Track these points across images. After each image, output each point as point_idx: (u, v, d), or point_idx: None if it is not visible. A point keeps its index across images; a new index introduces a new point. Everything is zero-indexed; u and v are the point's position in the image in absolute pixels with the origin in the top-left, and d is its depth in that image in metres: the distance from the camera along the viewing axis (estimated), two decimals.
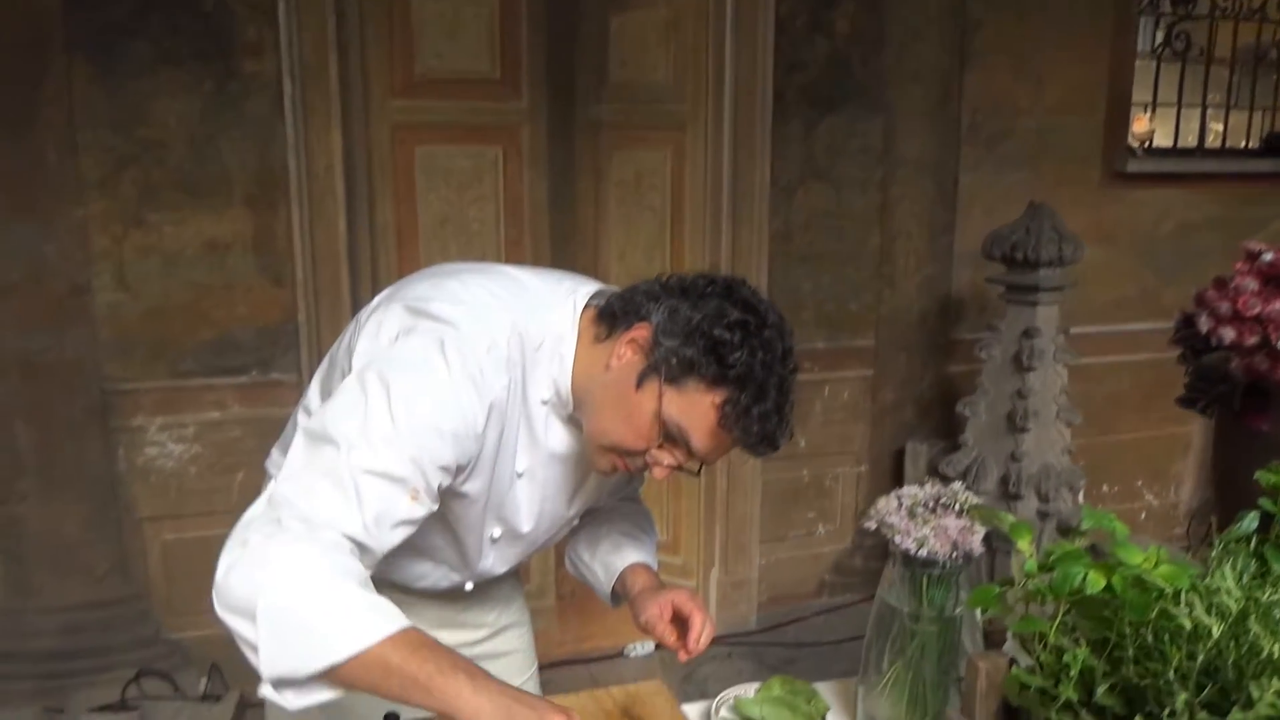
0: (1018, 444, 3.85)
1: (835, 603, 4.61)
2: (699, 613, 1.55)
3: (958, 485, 1.51)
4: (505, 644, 1.82)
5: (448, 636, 1.64)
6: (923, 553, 1.42)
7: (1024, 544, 1.35)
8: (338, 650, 1.09)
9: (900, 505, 1.48)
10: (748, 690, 1.66)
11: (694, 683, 3.69)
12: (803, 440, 4.46)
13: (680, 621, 1.56)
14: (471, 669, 1.18)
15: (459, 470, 1.35)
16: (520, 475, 1.45)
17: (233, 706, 3.44)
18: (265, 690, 1.12)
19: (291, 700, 1.12)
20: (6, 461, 3.31)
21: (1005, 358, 3.90)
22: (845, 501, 4.63)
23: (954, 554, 1.44)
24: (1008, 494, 3.86)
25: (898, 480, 4.49)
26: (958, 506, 1.49)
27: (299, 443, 1.25)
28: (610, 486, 1.66)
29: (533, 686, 1.87)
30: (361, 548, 1.22)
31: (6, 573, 3.42)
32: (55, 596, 3.41)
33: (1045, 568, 1.33)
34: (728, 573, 4.32)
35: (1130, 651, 1.25)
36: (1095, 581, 1.25)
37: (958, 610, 1.50)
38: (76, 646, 3.45)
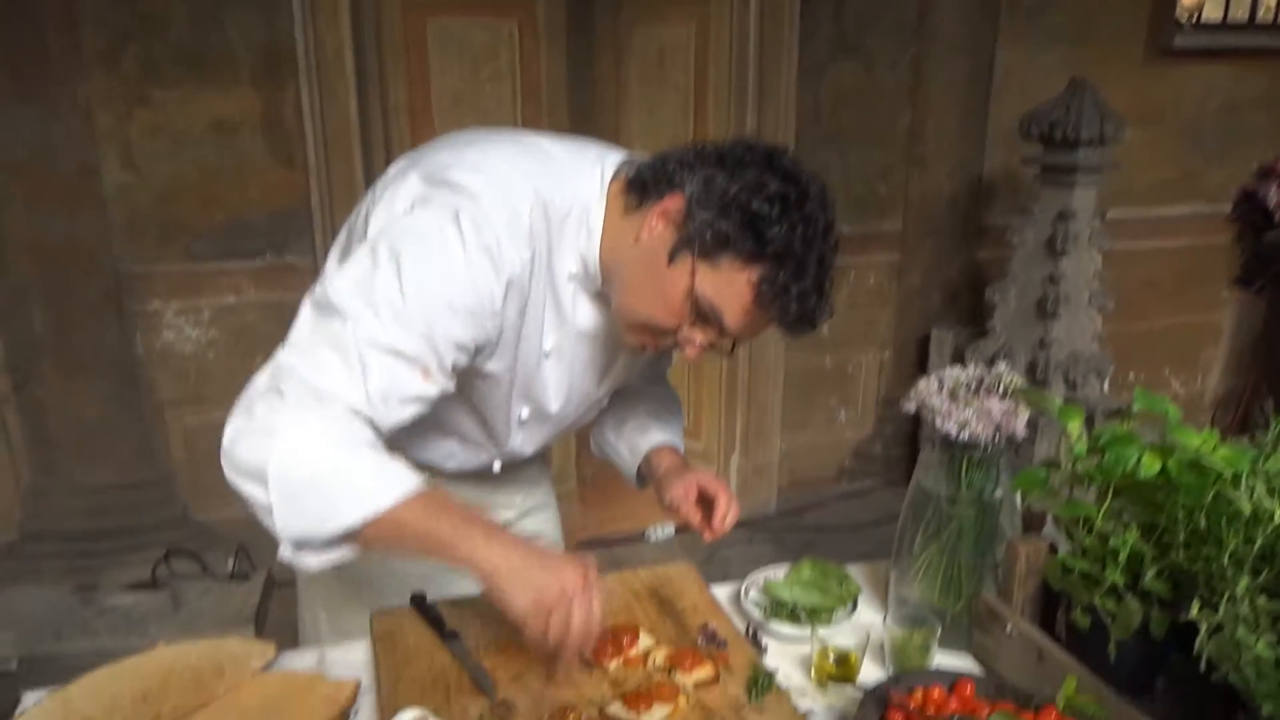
0: (1047, 330, 3.77)
1: (855, 488, 4.62)
2: (724, 494, 1.52)
3: (1002, 367, 1.44)
4: (533, 526, 1.80)
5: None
6: (964, 435, 1.37)
7: (1074, 427, 1.30)
8: (352, 514, 1.11)
9: (942, 387, 1.42)
10: (777, 573, 1.64)
11: (715, 565, 3.71)
12: (826, 327, 4.37)
13: (705, 503, 1.53)
14: (486, 525, 1.18)
15: (478, 349, 1.29)
16: (548, 354, 1.40)
17: (260, 585, 3.50)
18: (284, 552, 1.14)
19: (311, 561, 1.15)
20: (25, 344, 3.29)
21: (1038, 242, 3.79)
22: (867, 388, 4.59)
23: (996, 437, 1.38)
24: (1035, 381, 3.80)
25: (921, 368, 4.44)
26: (1001, 388, 1.42)
27: (306, 312, 1.21)
28: (639, 366, 1.61)
29: None
30: (368, 421, 1.19)
31: (33, 454, 3.44)
32: (82, 478, 3.45)
33: (1096, 451, 1.28)
34: (748, 458, 4.32)
35: (1181, 536, 1.21)
36: (1150, 465, 1.20)
37: (996, 494, 1.45)
38: (105, 527, 3.50)
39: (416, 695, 1.29)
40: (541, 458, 1.82)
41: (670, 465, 1.62)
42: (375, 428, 1.19)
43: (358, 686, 1.34)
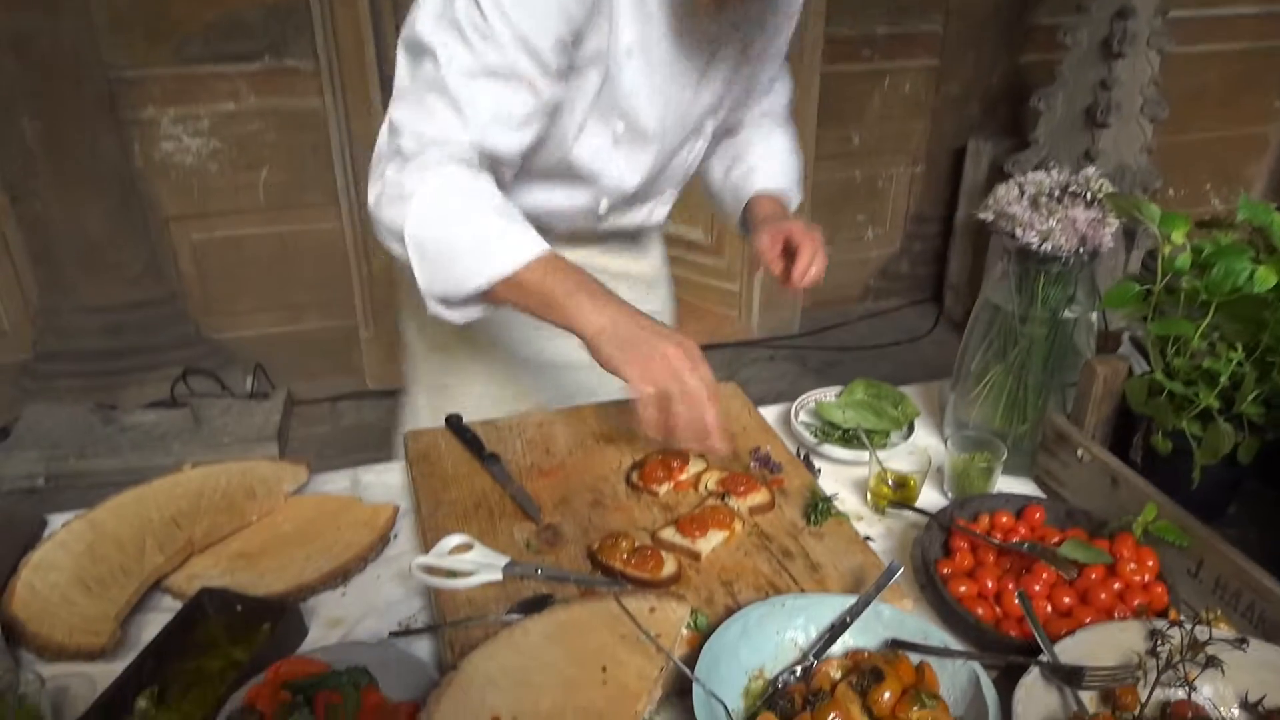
0: (1094, 141, 3.56)
1: (880, 307, 4.54)
2: (810, 245, 1.40)
3: (1091, 171, 1.30)
4: (647, 304, 1.65)
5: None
6: (1046, 247, 1.25)
7: (1179, 236, 1.17)
8: (479, 277, 1.16)
9: (1023, 194, 1.29)
10: (827, 394, 1.56)
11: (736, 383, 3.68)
12: (856, 137, 4.17)
13: (791, 254, 1.43)
14: (597, 290, 1.17)
15: (575, 38, 1.20)
16: (630, 52, 1.26)
17: (281, 403, 3.49)
18: (431, 306, 1.21)
19: (453, 316, 1.22)
20: (17, 157, 3.13)
21: (1092, 43, 3.52)
22: (897, 204, 4.42)
23: (1081, 249, 1.27)
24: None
25: (955, 183, 4.25)
26: (1089, 195, 1.29)
27: (401, 58, 1.20)
28: (742, 89, 1.47)
29: None
30: (490, 156, 1.20)
31: (37, 272, 3.35)
32: (91, 296, 3.36)
33: (1201, 265, 1.16)
34: (772, 276, 4.19)
35: None
36: (1265, 278, 1.09)
37: (1070, 312, 1.35)
38: (120, 346, 3.45)
39: (458, 520, 1.24)
40: (659, 240, 1.73)
41: (769, 213, 1.52)
42: (498, 166, 1.23)
43: (396, 511, 1.29)
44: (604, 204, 1.44)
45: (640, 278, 1.66)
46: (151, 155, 3.28)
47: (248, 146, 3.34)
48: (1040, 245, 1.26)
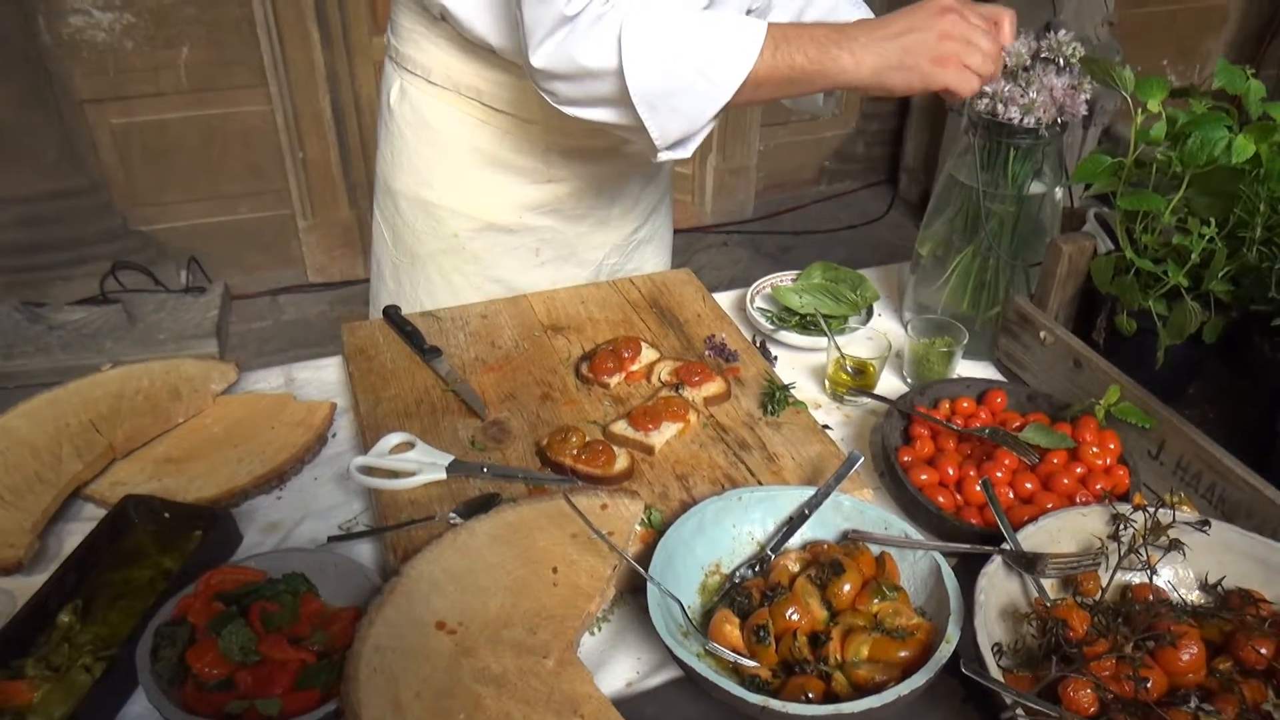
0: (1055, 12, 3.45)
1: (835, 190, 4.46)
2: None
3: (1063, 35, 1.23)
4: (647, 231, 1.59)
5: (601, 238, 1.50)
6: (1029, 120, 1.18)
7: (1154, 104, 1.11)
8: (715, 103, 1.11)
9: (1004, 65, 1.21)
10: (784, 278, 1.50)
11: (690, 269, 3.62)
12: None
13: None
14: (841, 38, 1.11)
15: None
16: None
17: (218, 297, 3.36)
18: (663, 155, 1.16)
19: (691, 147, 1.17)
20: None
21: None
22: None
23: (1057, 120, 1.20)
24: None
25: None
26: (1061, 61, 1.22)
27: None
28: None
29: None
30: None
31: None
32: (6, 187, 3.16)
33: (1175, 135, 1.11)
34: (726, 159, 4.09)
35: (1258, 232, 1.07)
36: (1242, 148, 1.04)
37: (1035, 187, 1.29)
38: (41, 239, 3.27)
39: (399, 418, 1.18)
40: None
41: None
42: None
43: (333, 409, 1.23)
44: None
45: (641, 195, 1.54)
46: (59, 32, 3.04)
47: (165, 21, 3.11)
48: (1022, 119, 1.20)
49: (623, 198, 1.49)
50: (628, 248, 1.56)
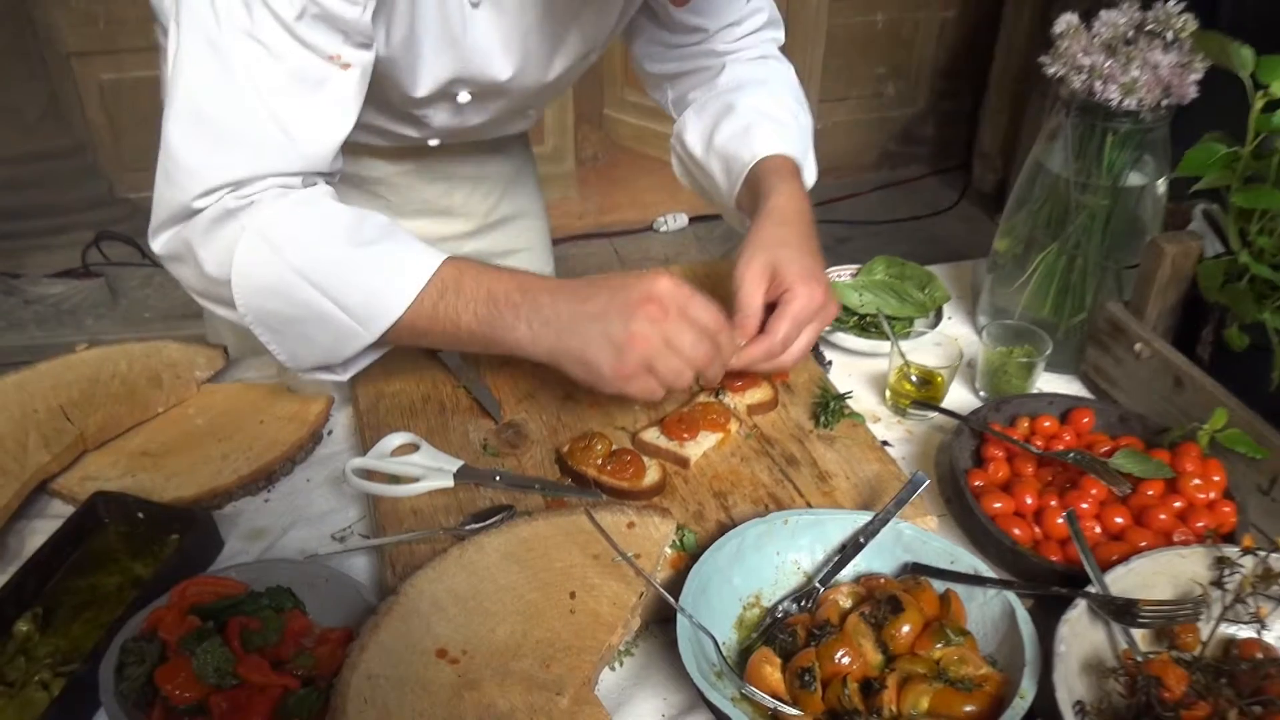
0: None
1: (898, 176, 4.43)
2: (808, 301, 1.11)
3: (1171, 6, 1.19)
4: (509, 240, 1.59)
5: (430, 227, 1.43)
6: (1129, 102, 1.15)
7: (1278, 86, 1.08)
8: (359, 340, 1.03)
9: (1096, 37, 1.18)
10: (842, 273, 1.47)
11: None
12: None
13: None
14: (524, 302, 1.01)
15: None
16: (476, 3, 1.11)
17: None
18: (307, 376, 1.09)
19: (339, 374, 1.09)
20: None
21: None
22: (923, 54, 4.26)
23: (1162, 102, 1.17)
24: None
25: (993, 30, 4.08)
26: (1169, 35, 1.19)
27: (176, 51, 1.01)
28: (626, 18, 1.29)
29: None
30: (318, 174, 1.05)
31: None
32: None
33: None
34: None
35: None
36: None
37: (1134, 178, 1.26)
38: (20, 204, 3.33)
39: (403, 416, 1.18)
40: (522, 146, 1.59)
41: (778, 217, 1.18)
42: (330, 177, 1.08)
43: (330, 403, 1.22)
44: (435, 142, 1.33)
45: (499, 178, 1.53)
46: None
47: None
48: (1122, 101, 1.17)
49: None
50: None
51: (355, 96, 1.05)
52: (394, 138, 1.30)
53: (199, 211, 1.00)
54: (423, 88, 1.15)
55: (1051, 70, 1.21)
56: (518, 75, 1.19)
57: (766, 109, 1.30)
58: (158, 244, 1.05)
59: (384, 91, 1.15)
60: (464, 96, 1.20)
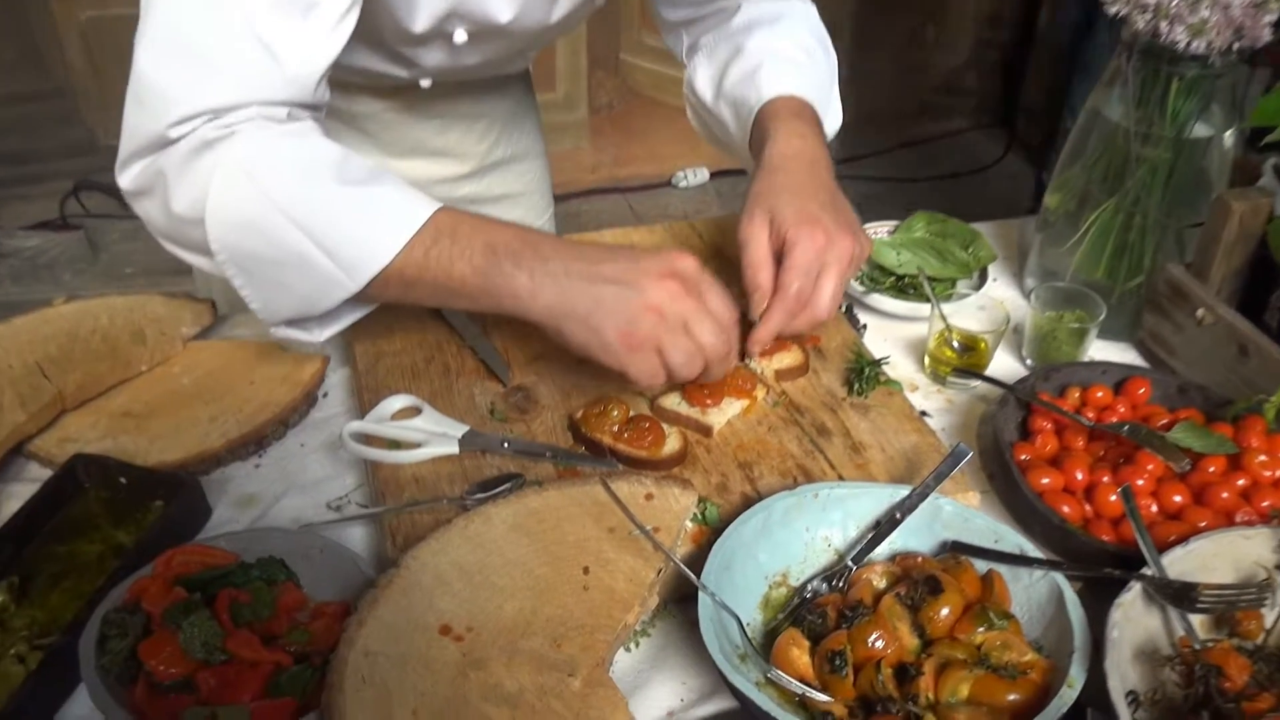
0: None
1: (938, 129, 4.40)
2: (815, 252, 1.10)
3: None
4: (506, 183, 1.58)
5: (422, 168, 1.43)
6: (1197, 45, 1.13)
7: None
8: (341, 290, 0.99)
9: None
10: (879, 229, 1.46)
11: None
12: None
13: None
14: (525, 252, 0.99)
15: None
16: None
17: None
18: (277, 332, 1.06)
19: (314, 333, 1.06)
20: None
21: None
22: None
23: (1233, 45, 1.15)
24: None
25: None
26: None
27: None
28: None
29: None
30: (303, 106, 1.02)
31: None
32: None
33: None
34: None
35: None
36: None
37: (1201, 129, 1.24)
38: None
39: (405, 377, 1.18)
40: (524, 86, 1.57)
41: (780, 160, 1.19)
42: (314, 109, 1.04)
43: (325, 362, 1.23)
44: (425, 81, 1.31)
45: (496, 117, 1.51)
46: None
47: None
48: (1190, 43, 1.15)
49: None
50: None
51: (348, 19, 1.02)
52: (383, 78, 1.29)
53: (174, 141, 0.97)
54: (420, 21, 1.12)
55: (1113, 10, 1.19)
56: (519, 17, 1.17)
57: (777, 48, 1.29)
58: (126, 177, 1.02)
59: (377, 26, 1.13)
60: (460, 36, 1.18)
